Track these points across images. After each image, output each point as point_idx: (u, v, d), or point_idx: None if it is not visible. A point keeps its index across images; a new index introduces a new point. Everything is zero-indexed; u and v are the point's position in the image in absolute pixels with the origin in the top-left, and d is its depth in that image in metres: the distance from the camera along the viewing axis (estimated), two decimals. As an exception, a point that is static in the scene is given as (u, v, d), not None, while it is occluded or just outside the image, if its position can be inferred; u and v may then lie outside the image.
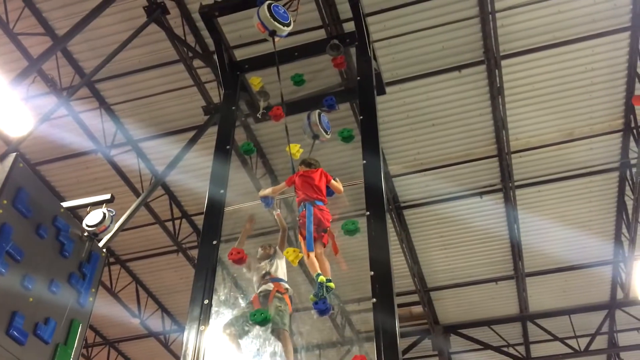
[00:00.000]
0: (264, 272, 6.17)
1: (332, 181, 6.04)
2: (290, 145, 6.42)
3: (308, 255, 5.42)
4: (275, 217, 6.77)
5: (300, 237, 5.60)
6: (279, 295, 5.89)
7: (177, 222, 12.49)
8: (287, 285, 6.05)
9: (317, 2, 8.90)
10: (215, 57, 8.02)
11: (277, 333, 5.62)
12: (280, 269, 6.20)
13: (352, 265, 6.78)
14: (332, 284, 5.17)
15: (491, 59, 9.57)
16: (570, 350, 14.70)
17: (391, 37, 9.52)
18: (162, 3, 8.97)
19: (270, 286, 5.97)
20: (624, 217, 12.21)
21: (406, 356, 14.82)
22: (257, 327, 5.58)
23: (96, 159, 11.36)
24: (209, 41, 9.34)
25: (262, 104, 7.61)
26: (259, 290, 6.03)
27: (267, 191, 6.30)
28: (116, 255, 13.45)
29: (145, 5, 8.96)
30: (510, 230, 12.51)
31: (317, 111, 6.74)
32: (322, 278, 5.15)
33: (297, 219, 5.81)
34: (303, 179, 5.91)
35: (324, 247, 5.58)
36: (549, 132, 10.87)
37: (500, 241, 12.97)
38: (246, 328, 5.74)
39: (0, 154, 6.58)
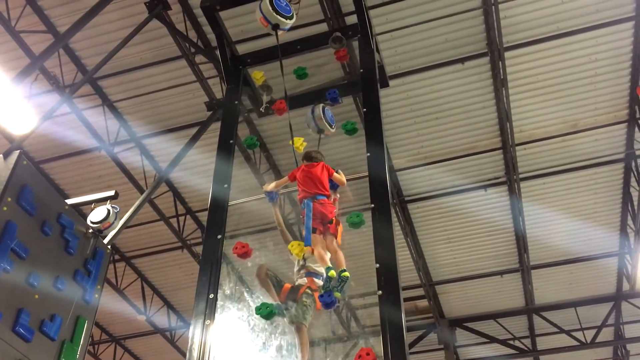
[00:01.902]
0: (300, 264, 6.01)
1: (335, 174, 6.00)
2: (294, 138, 6.40)
3: (312, 251, 5.39)
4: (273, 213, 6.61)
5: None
6: (309, 292, 5.72)
7: (181, 218, 12.50)
8: (321, 283, 5.68)
9: (319, -4, 8.86)
10: (218, 52, 8.00)
11: (295, 325, 5.55)
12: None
13: (357, 259, 6.75)
14: (346, 273, 5.13)
15: (494, 50, 9.52)
16: (576, 343, 14.69)
17: (393, 30, 9.48)
18: (164, -2, 8.95)
19: (304, 281, 5.84)
20: (630, 208, 12.16)
21: (412, 350, 14.80)
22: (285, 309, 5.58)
23: (100, 156, 11.36)
24: (211, 36, 9.33)
25: (265, 98, 7.58)
26: (295, 283, 5.88)
27: (270, 185, 6.27)
28: (121, 252, 13.47)
29: (147, 1, 8.93)
30: (515, 222, 12.48)
31: (321, 105, 6.69)
32: (332, 273, 5.12)
33: (300, 216, 5.78)
34: (304, 174, 5.89)
35: (335, 237, 5.53)
36: (554, 123, 10.82)
37: (505, 234, 12.94)
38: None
39: (3, 151, 6.57)
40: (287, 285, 5.88)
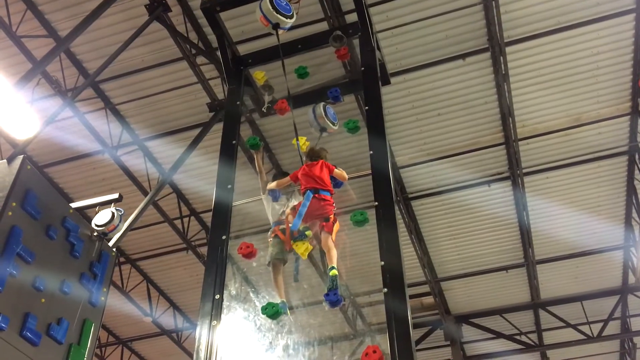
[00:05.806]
0: (282, 210, 6.22)
1: (335, 170, 6.02)
2: (297, 138, 6.39)
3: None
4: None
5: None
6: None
7: (185, 219, 12.52)
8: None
9: (319, -6, 8.86)
10: (219, 53, 8.01)
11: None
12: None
13: (362, 257, 6.74)
14: (334, 272, 5.13)
15: (495, 46, 9.51)
16: (583, 337, 14.68)
17: (394, 27, 9.47)
18: (164, 1, 8.94)
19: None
20: (634, 200, 12.15)
21: (419, 347, 14.81)
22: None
23: (103, 159, 11.38)
24: (212, 38, 9.33)
25: (266, 98, 7.58)
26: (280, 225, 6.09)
27: (272, 185, 6.29)
28: (126, 255, 13.50)
29: (147, 4, 8.94)
30: (519, 217, 12.47)
31: (322, 103, 6.70)
32: (334, 272, 5.14)
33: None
34: (304, 172, 5.93)
35: (330, 235, 5.53)
36: (556, 117, 10.81)
37: (510, 229, 12.93)
38: (285, 257, 5.88)
39: (7, 156, 6.60)
40: (276, 228, 6.10)
